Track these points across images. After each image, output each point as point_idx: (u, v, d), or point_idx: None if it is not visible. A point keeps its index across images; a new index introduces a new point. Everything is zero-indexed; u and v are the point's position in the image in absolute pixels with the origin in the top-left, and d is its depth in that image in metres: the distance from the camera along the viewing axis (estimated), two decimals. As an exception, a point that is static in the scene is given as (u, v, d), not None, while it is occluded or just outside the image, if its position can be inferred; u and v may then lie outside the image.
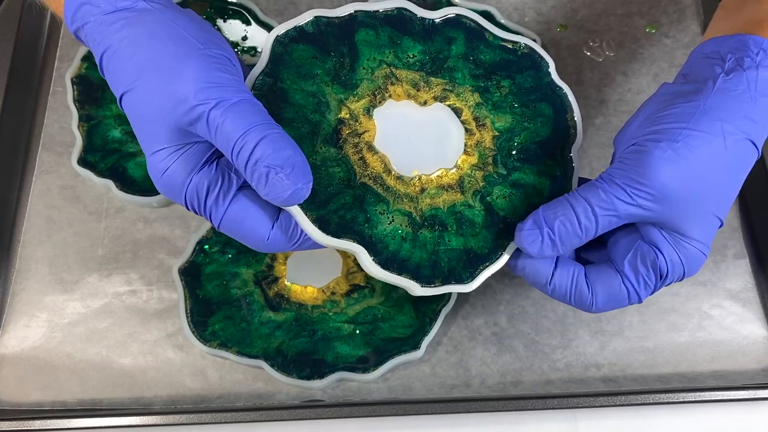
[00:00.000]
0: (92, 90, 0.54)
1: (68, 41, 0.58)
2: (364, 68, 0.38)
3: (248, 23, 0.57)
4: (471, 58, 0.40)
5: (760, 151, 0.35)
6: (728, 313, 0.49)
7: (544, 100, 0.40)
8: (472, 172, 0.38)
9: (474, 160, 0.38)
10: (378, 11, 0.39)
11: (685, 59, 0.56)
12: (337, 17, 0.39)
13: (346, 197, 0.36)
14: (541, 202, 0.37)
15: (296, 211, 0.35)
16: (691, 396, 0.45)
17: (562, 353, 0.48)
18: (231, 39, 0.56)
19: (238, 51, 0.56)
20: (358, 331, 0.47)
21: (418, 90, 0.39)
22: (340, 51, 0.38)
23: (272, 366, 0.46)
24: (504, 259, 0.37)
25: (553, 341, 0.48)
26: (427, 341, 0.47)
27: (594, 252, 0.39)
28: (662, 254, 0.35)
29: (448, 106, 0.39)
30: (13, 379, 0.47)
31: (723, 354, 0.48)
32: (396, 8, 0.39)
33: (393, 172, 0.37)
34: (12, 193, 0.52)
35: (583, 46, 0.57)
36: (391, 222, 0.36)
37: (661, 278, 0.36)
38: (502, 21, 0.57)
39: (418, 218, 0.36)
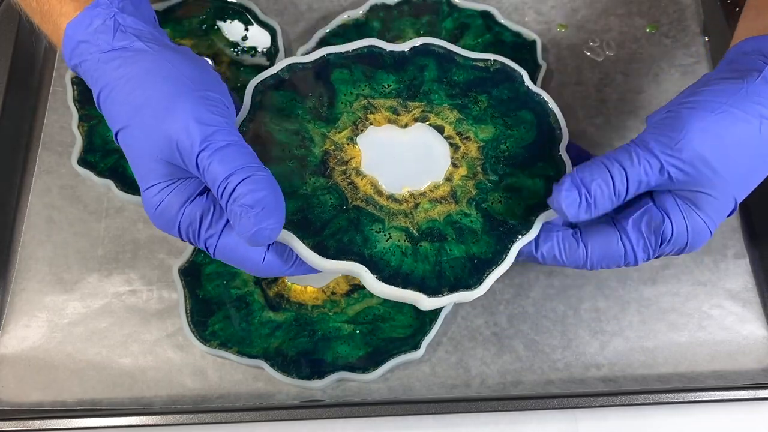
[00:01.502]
0: (92, 90, 0.54)
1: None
2: (342, 103, 0.41)
3: (248, 23, 0.57)
4: (444, 80, 0.42)
5: None
6: (728, 313, 0.49)
7: (524, 108, 0.41)
8: (463, 182, 0.39)
9: (463, 170, 0.39)
10: (348, 51, 0.42)
11: (686, 59, 0.56)
12: (310, 62, 0.41)
13: (341, 221, 0.37)
14: (540, 202, 0.38)
15: (294, 241, 0.36)
16: (691, 396, 0.45)
17: (562, 353, 0.48)
18: (231, 39, 0.56)
19: (237, 51, 0.56)
20: (358, 331, 0.47)
21: (397, 115, 0.41)
22: (317, 91, 0.41)
23: (272, 366, 0.46)
24: (510, 258, 0.37)
25: (553, 341, 0.48)
26: (427, 341, 0.47)
27: None
28: (671, 221, 0.35)
29: (430, 125, 0.40)
30: (13, 379, 0.47)
31: (723, 354, 0.48)
32: (365, 46, 0.42)
33: (384, 192, 0.38)
34: (12, 193, 0.52)
35: (583, 46, 0.57)
36: (388, 239, 0.36)
37: (662, 244, 0.36)
38: (502, 21, 0.57)
39: (415, 232, 0.37)
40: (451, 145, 0.40)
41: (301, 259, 0.36)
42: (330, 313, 0.47)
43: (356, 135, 0.40)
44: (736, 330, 0.49)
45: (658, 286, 0.50)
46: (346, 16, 0.57)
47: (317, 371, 0.46)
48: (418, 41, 0.43)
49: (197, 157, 0.33)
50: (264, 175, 0.34)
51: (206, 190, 0.36)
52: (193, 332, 0.47)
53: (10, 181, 0.52)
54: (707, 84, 0.36)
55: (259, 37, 0.56)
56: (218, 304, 0.48)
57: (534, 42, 0.56)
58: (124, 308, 0.49)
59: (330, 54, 0.42)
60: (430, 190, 0.38)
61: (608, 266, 0.37)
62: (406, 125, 0.40)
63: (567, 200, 0.35)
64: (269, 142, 0.39)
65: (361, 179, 0.38)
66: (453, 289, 0.36)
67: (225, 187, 0.33)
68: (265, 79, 0.41)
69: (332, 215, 0.37)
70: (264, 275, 0.37)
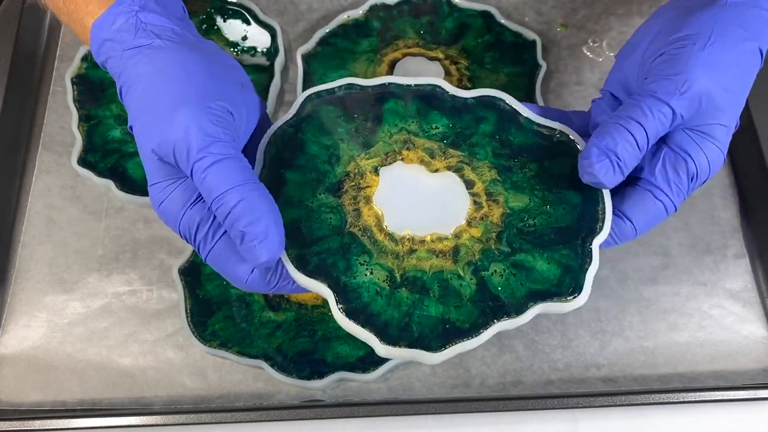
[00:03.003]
0: (92, 90, 0.54)
1: (68, 41, 0.58)
2: (383, 132, 0.40)
3: (248, 23, 0.57)
4: (498, 138, 0.39)
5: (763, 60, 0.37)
6: (728, 313, 0.49)
7: (574, 189, 0.38)
8: (470, 243, 0.36)
9: (477, 232, 0.37)
10: (411, 85, 0.41)
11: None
12: (369, 86, 0.41)
13: (332, 242, 0.36)
14: (546, 290, 0.35)
15: None
16: (691, 396, 0.45)
17: (562, 353, 0.48)
18: (231, 39, 0.56)
19: (237, 51, 0.56)
20: (358, 331, 0.47)
21: (432, 158, 0.39)
22: (365, 115, 0.40)
23: (272, 366, 0.46)
24: (485, 337, 0.34)
25: (553, 341, 0.48)
26: (427, 341, 0.47)
27: None
28: (692, 158, 0.36)
29: (461, 177, 0.38)
30: (13, 379, 0.47)
31: (723, 354, 0.48)
32: (430, 84, 0.41)
33: (384, 228, 0.37)
34: (12, 193, 0.52)
35: (583, 46, 0.57)
36: (369, 274, 0.36)
37: (691, 181, 0.37)
38: (502, 21, 0.57)
39: (398, 276, 0.36)
40: (475, 203, 0.37)
41: (281, 284, 0.36)
42: (330, 313, 0.47)
43: (382, 165, 0.39)
44: (736, 330, 0.49)
45: (658, 286, 0.50)
46: (346, 16, 0.57)
47: (317, 371, 0.46)
48: (486, 92, 0.40)
49: (192, 168, 0.33)
50: (259, 193, 0.34)
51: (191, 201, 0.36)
52: (193, 332, 0.47)
53: (10, 181, 0.52)
54: (682, 17, 0.38)
55: (259, 37, 0.56)
56: (218, 304, 0.48)
57: (534, 42, 0.56)
58: (124, 308, 0.49)
59: (392, 84, 0.41)
60: (432, 241, 0.36)
61: (653, 226, 0.38)
62: (436, 170, 0.38)
63: (602, 170, 0.35)
64: (299, 150, 0.39)
65: (368, 209, 0.37)
66: (411, 345, 0.34)
67: (221, 205, 0.33)
68: (320, 91, 0.40)
69: (326, 234, 0.36)
70: (245, 290, 0.37)
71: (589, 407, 0.45)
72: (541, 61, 0.55)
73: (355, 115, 0.40)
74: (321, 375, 0.45)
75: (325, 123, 0.40)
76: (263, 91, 0.54)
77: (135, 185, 0.51)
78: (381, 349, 0.34)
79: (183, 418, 0.44)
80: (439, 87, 0.41)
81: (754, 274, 0.50)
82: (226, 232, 0.35)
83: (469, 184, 0.38)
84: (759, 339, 0.49)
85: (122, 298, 0.49)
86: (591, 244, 0.36)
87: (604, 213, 0.37)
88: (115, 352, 0.48)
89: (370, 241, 0.36)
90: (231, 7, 0.57)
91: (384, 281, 0.35)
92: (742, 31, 0.36)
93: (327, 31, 0.56)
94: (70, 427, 0.44)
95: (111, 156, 0.52)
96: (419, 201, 0.37)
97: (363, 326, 0.34)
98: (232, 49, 0.56)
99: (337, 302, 0.35)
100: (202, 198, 0.35)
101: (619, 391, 0.46)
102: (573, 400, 0.45)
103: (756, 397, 0.45)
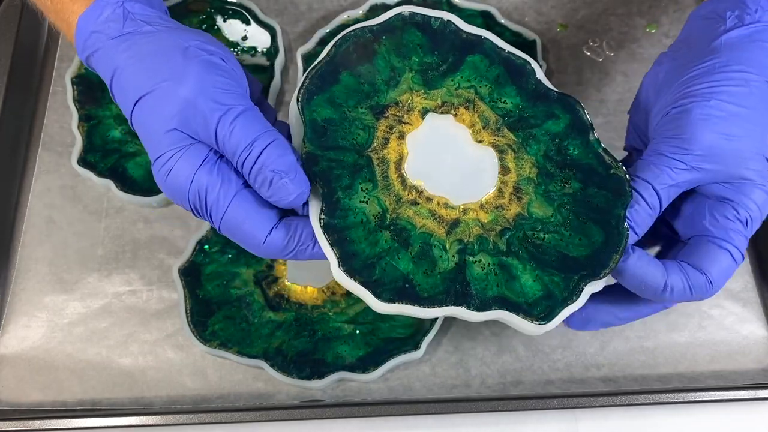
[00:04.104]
0: (92, 90, 0.54)
1: (68, 41, 0.57)
2: (453, 81, 0.38)
3: (248, 23, 0.57)
4: (558, 141, 0.38)
5: None
6: (728, 313, 0.49)
7: (601, 226, 0.36)
8: (472, 224, 0.35)
9: (485, 218, 0.36)
10: (504, 50, 0.39)
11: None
12: (465, 32, 0.39)
13: (348, 156, 0.36)
14: (517, 303, 0.34)
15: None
16: (691, 396, 0.45)
17: (562, 353, 0.48)
18: (231, 39, 0.56)
19: (237, 51, 0.56)
20: (358, 331, 0.47)
21: (484, 128, 0.37)
22: (446, 55, 0.38)
23: (272, 366, 0.46)
24: (432, 314, 0.34)
25: (553, 341, 0.48)
26: (427, 341, 0.47)
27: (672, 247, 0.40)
28: (734, 202, 0.36)
29: (500, 159, 0.37)
30: (13, 379, 0.47)
31: (723, 354, 0.48)
32: (525, 60, 0.39)
33: (401, 169, 0.36)
34: (12, 193, 0.52)
35: (583, 46, 0.57)
36: (364, 202, 0.35)
37: (745, 225, 0.36)
38: (502, 21, 0.57)
39: (388, 218, 0.35)
40: (499, 190, 0.36)
41: (301, 248, 0.36)
42: (330, 313, 0.47)
43: (433, 111, 0.37)
44: (736, 330, 0.49)
45: (658, 286, 0.50)
46: (346, 16, 0.57)
47: (317, 371, 0.46)
48: (572, 96, 0.39)
49: (218, 123, 0.34)
50: (282, 137, 0.35)
51: (217, 157, 0.35)
52: (193, 332, 0.47)
53: (10, 181, 0.52)
54: (681, 70, 0.38)
55: (259, 37, 0.56)
56: (218, 304, 0.48)
57: (534, 42, 0.56)
58: (124, 308, 0.49)
59: (488, 39, 0.39)
60: (438, 204, 0.36)
61: (728, 279, 0.36)
62: (480, 141, 0.37)
63: None
64: (367, 59, 0.37)
65: (397, 144, 0.36)
66: (364, 285, 0.33)
67: (249, 153, 0.34)
68: (415, 13, 0.38)
69: (347, 146, 0.36)
70: (262, 255, 0.36)
71: (589, 407, 0.45)
72: (541, 61, 0.55)
73: (436, 52, 0.38)
74: (321, 375, 0.45)
75: (404, 45, 0.38)
76: (263, 91, 0.54)
77: (135, 185, 0.51)
78: (336, 272, 0.34)
79: (183, 418, 0.44)
80: (530, 66, 0.39)
81: (754, 274, 0.50)
82: (238, 193, 0.35)
83: (504, 170, 0.37)
84: (759, 339, 0.49)
85: (122, 298, 0.49)
86: (585, 285, 0.35)
87: (615, 263, 0.35)
88: (115, 352, 0.48)
89: (381, 173, 0.36)
90: (231, 7, 0.57)
91: (374, 216, 0.35)
92: (742, 73, 0.36)
93: (327, 31, 0.56)
94: (70, 427, 0.44)
95: (111, 156, 0.52)
96: (447, 161, 0.36)
97: (331, 245, 0.34)
98: (232, 49, 0.56)
99: (321, 211, 0.34)
100: (209, 162, 0.35)
101: (619, 391, 0.46)
102: (573, 400, 0.45)
103: (756, 397, 0.45)
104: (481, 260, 0.35)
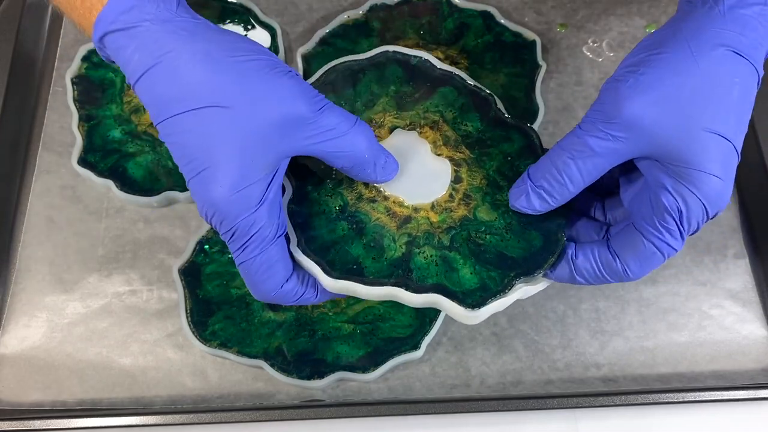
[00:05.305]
0: (92, 90, 0.54)
1: (68, 41, 0.58)
2: (422, 106, 0.42)
3: (248, 23, 0.57)
4: (510, 159, 0.40)
5: (754, 59, 0.34)
6: (728, 313, 0.49)
7: (541, 234, 0.38)
8: (422, 222, 0.38)
9: (434, 217, 0.38)
10: (471, 84, 0.42)
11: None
12: (440, 69, 0.43)
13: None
14: (452, 291, 0.36)
15: None
16: (691, 396, 0.45)
17: (562, 353, 0.48)
18: (231, 39, 0.56)
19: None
20: (358, 331, 0.47)
21: (444, 145, 0.41)
22: (419, 87, 0.42)
23: (272, 366, 0.46)
24: (374, 292, 0.36)
25: (553, 341, 0.48)
26: (427, 341, 0.47)
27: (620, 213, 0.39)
28: (669, 192, 0.33)
29: (455, 170, 0.40)
30: (13, 379, 0.47)
31: (723, 354, 0.48)
32: (489, 93, 0.42)
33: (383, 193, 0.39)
34: (12, 193, 0.52)
35: (583, 46, 0.57)
36: (330, 196, 0.39)
37: (679, 220, 0.33)
38: (502, 21, 0.57)
39: (348, 210, 0.38)
40: (450, 196, 0.39)
41: (307, 295, 0.38)
42: (330, 313, 0.47)
43: (400, 128, 0.41)
44: (736, 330, 0.49)
45: (658, 286, 0.50)
46: (346, 16, 0.57)
47: (317, 371, 0.46)
48: (527, 125, 0.42)
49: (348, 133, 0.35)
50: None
51: (267, 199, 0.34)
52: (193, 332, 0.47)
53: (10, 181, 0.53)
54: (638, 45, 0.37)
55: (259, 37, 0.56)
56: (218, 304, 0.48)
57: (534, 42, 0.56)
58: (124, 308, 0.49)
59: (458, 76, 0.43)
60: (393, 202, 0.39)
61: (652, 269, 0.35)
62: (439, 155, 0.40)
63: (514, 195, 0.37)
64: (352, 84, 0.42)
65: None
66: (317, 263, 0.36)
67: (376, 156, 0.37)
68: (398, 52, 0.43)
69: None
70: (269, 300, 0.37)
71: (589, 407, 0.45)
72: (540, 62, 0.55)
73: (412, 83, 0.42)
74: (321, 375, 0.45)
75: (385, 76, 0.42)
76: (263, 91, 0.54)
77: (135, 185, 0.51)
78: (294, 250, 0.37)
79: (183, 418, 0.44)
80: (494, 98, 0.42)
81: (754, 274, 0.50)
82: (274, 241, 0.35)
83: (457, 179, 0.40)
84: (759, 339, 0.49)
85: (122, 298, 0.49)
86: (517, 282, 0.37)
87: (550, 265, 0.37)
88: (115, 352, 0.48)
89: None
90: (231, 7, 0.57)
91: (336, 207, 0.39)
92: (688, 42, 0.34)
93: (327, 31, 0.56)
94: (70, 427, 0.44)
95: (111, 156, 0.52)
96: (407, 168, 0.39)
97: (294, 227, 0.37)
98: (232, 49, 0.56)
99: (291, 201, 0.38)
100: (267, 201, 0.34)
101: (618, 391, 0.46)
102: (573, 400, 0.45)
103: (756, 397, 0.45)
104: (425, 252, 0.37)
